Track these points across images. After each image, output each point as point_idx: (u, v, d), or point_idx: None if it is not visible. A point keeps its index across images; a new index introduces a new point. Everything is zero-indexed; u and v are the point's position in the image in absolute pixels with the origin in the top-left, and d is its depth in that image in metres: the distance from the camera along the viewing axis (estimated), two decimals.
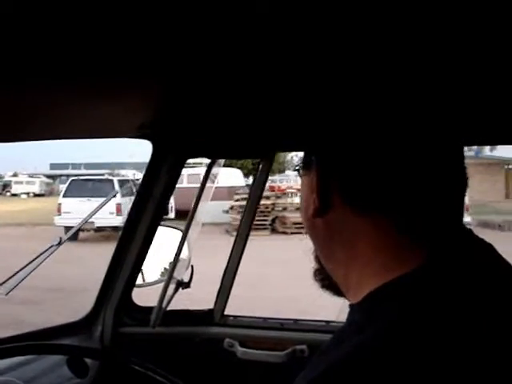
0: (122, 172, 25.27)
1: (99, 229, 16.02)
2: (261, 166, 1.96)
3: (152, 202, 1.93)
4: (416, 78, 0.90)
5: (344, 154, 0.77)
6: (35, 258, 1.77)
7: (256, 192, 2.07)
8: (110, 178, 17.50)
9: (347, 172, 0.76)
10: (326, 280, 0.86)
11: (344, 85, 0.92)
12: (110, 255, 2.03)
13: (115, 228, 15.67)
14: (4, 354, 1.63)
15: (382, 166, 0.74)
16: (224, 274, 2.18)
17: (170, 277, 1.98)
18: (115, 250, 2.03)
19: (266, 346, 2.03)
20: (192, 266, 2.09)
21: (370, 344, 0.66)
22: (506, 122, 1.43)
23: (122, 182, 17.43)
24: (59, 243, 1.77)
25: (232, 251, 2.15)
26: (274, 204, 17.59)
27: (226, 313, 2.18)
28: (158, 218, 1.99)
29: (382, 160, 0.74)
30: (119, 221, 15.73)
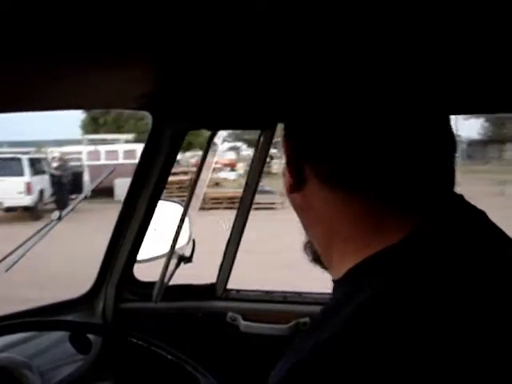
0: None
1: (9, 209, 15.85)
2: (262, 137, 1.93)
3: (152, 175, 1.90)
4: (398, 44, 0.88)
5: (312, 125, 0.74)
6: (34, 234, 1.75)
7: (257, 165, 2.04)
8: (18, 156, 17.02)
9: (316, 145, 0.73)
10: (316, 253, 0.84)
11: (328, 52, 0.90)
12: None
13: (26, 208, 15.64)
14: (5, 331, 1.62)
15: (352, 136, 0.71)
16: (226, 248, 2.16)
17: (172, 251, 1.97)
18: (115, 224, 2.01)
19: (268, 319, 2.02)
20: (193, 241, 2.07)
21: (355, 319, 0.64)
22: (492, 90, 1.41)
23: (33, 161, 17.02)
24: (59, 218, 1.75)
25: (234, 224, 2.13)
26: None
27: (228, 286, 2.17)
28: (159, 192, 1.96)
29: (352, 130, 0.71)
30: (29, 200, 15.71)
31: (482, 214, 0.75)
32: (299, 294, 2.08)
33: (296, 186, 0.77)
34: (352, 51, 0.89)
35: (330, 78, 0.76)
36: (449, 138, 0.75)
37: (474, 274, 0.66)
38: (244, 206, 2.12)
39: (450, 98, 1.19)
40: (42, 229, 1.75)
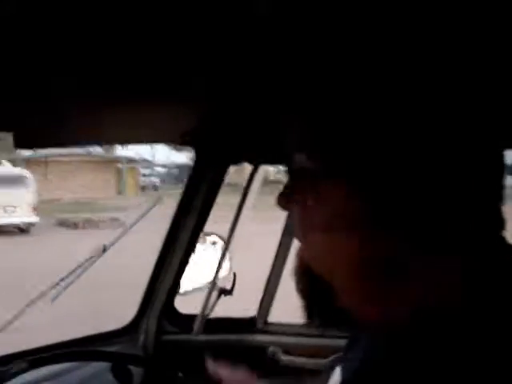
0: None
1: None
2: None
3: (195, 209, 1.93)
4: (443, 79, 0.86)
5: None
6: (79, 266, 1.78)
7: None
8: None
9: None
10: None
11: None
12: None
13: None
14: (50, 361, 1.64)
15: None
16: (268, 279, 2.15)
17: (213, 284, 1.98)
18: (158, 256, 2.03)
19: (310, 353, 2.01)
20: (234, 274, 2.08)
21: None
22: None
23: None
24: (104, 250, 1.78)
25: (277, 253, 2.12)
26: None
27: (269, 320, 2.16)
28: (201, 225, 1.98)
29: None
30: None
31: None
32: None
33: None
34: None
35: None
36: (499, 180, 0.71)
37: None
38: (287, 235, 2.10)
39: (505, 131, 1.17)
40: (86, 261, 1.78)
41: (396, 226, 0.68)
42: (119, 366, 1.81)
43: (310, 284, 0.77)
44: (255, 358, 2.05)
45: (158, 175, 37.58)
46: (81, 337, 1.97)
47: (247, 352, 2.08)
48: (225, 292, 2.04)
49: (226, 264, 2.06)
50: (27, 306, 1.76)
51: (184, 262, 2.02)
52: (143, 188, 31.81)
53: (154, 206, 1.99)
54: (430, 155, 0.66)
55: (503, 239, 0.73)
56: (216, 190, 1.94)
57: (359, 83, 0.71)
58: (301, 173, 0.74)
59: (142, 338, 2.07)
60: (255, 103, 1.22)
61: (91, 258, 1.77)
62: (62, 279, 1.75)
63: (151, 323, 2.07)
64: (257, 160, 1.84)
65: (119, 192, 29.19)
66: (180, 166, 35.94)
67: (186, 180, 1.90)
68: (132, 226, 1.88)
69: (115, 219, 15.93)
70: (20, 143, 1.23)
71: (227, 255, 2.05)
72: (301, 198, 0.74)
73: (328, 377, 0.78)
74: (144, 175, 34.95)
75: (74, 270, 1.75)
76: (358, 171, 0.69)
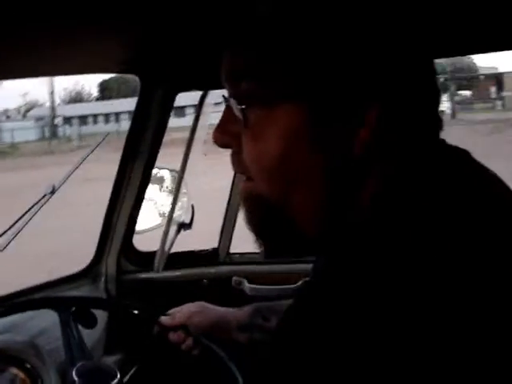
0: None
1: None
2: None
3: (145, 142, 1.84)
4: None
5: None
6: (29, 209, 1.70)
7: None
8: None
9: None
10: None
11: None
12: None
13: None
14: (6, 312, 1.57)
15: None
16: (226, 210, 2.11)
17: (170, 219, 1.92)
18: (111, 196, 1.95)
19: (275, 280, 1.99)
20: (192, 206, 2.03)
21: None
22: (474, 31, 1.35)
23: None
24: (52, 191, 1.69)
25: (233, 184, 2.08)
26: None
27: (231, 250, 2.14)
28: (153, 158, 1.90)
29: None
30: None
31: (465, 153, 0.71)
32: None
33: None
34: None
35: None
36: (433, 87, 0.71)
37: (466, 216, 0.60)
38: None
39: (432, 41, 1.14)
40: (34, 205, 1.69)
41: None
42: (82, 310, 1.75)
43: (262, 215, 0.74)
44: (220, 290, 2.03)
45: None
46: (39, 284, 1.90)
47: (211, 284, 2.06)
48: (184, 226, 1.99)
49: (182, 198, 2.01)
50: None
51: (139, 199, 1.95)
52: None
53: (102, 141, 1.91)
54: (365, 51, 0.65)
55: (439, 139, 0.72)
56: (165, 120, 1.85)
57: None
58: (238, 97, 0.71)
59: (102, 279, 2.01)
60: (199, 25, 1.15)
61: (40, 199, 1.69)
62: (12, 226, 1.66)
63: (110, 263, 2.01)
64: (206, 85, 1.76)
65: None
66: None
67: None
68: (80, 163, 1.78)
69: None
70: None
71: (183, 189, 1.99)
72: (239, 128, 0.71)
73: None
74: None
75: (22, 215, 1.67)
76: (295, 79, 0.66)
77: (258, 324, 1.40)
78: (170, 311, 1.52)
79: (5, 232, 1.65)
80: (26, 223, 1.66)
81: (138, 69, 1.63)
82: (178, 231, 1.98)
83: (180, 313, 1.49)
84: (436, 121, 0.71)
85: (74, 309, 1.58)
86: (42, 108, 49.22)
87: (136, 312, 1.61)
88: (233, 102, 0.71)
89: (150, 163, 1.91)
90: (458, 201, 0.61)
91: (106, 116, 42.20)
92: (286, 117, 0.67)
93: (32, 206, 1.69)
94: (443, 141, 0.72)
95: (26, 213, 1.68)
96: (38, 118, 40.97)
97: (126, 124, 35.79)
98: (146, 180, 1.93)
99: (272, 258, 1.85)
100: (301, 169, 0.68)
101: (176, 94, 1.81)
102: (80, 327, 1.57)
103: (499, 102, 30.31)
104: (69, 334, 1.50)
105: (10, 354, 1.48)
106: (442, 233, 0.58)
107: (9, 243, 1.64)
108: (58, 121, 40.63)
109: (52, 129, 39.08)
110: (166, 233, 1.92)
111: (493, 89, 32.68)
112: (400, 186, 0.65)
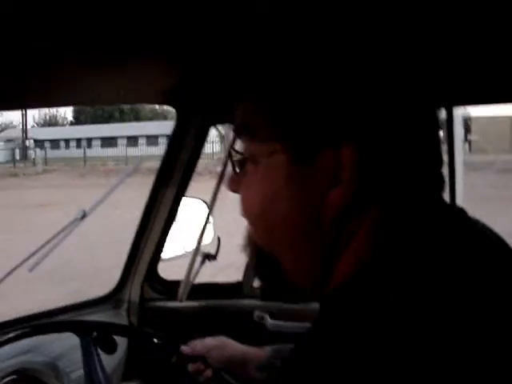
0: None
1: None
2: None
3: (177, 171, 1.87)
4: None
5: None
6: (58, 233, 1.72)
7: None
8: None
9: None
10: None
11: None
12: None
13: None
14: (28, 333, 1.58)
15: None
16: None
17: (197, 249, 1.93)
18: (139, 223, 1.97)
19: (297, 317, 1.98)
20: (218, 238, 2.03)
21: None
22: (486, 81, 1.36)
23: None
24: (83, 216, 1.71)
25: None
26: None
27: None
28: (184, 188, 1.92)
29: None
30: None
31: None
32: None
33: None
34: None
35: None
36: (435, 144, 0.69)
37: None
38: None
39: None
40: (65, 227, 1.72)
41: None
42: (103, 335, 1.76)
43: (257, 259, 0.76)
44: (242, 324, 2.03)
45: None
46: (62, 306, 1.92)
47: (233, 317, 2.05)
48: (209, 257, 2.00)
49: (209, 229, 2.02)
50: (6, 275, 1.70)
51: (166, 228, 1.97)
52: None
53: (137, 167, 1.93)
54: (367, 112, 0.64)
55: (442, 199, 0.70)
56: (198, 152, 1.88)
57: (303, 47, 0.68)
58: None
59: (125, 305, 2.02)
60: (236, 62, 1.17)
61: (70, 224, 1.71)
62: (41, 247, 1.69)
63: (134, 290, 2.02)
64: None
65: None
66: None
67: None
68: (113, 189, 1.81)
69: None
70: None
71: (211, 220, 2.00)
72: (243, 175, 0.74)
73: None
74: None
75: (53, 237, 1.69)
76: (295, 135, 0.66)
77: (277, 366, 1.40)
78: (191, 342, 1.52)
79: (32, 255, 1.68)
80: (56, 247, 1.68)
81: (176, 101, 1.66)
82: (203, 262, 1.99)
83: (201, 344, 1.49)
84: (437, 180, 0.70)
85: (95, 334, 1.59)
86: (15, 130, 49.50)
87: (157, 341, 1.61)
88: (233, 153, 0.75)
89: (181, 192, 1.93)
90: (446, 269, 0.60)
91: (78, 141, 41.99)
92: (268, 168, 0.68)
93: (61, 230, 1.72)
94: (442, 200, 0.70)
95: (55, 236, 1.71)
96: (9, 140, 41.15)
97: (96, 150, 35.46)
98: (175, 208, 1.95)
99: (268, 300, 1.86)
100: (282, 218, 0.68)
101: (210, 126, 1.84)
102: (100, 352, 1.58)
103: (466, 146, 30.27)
104: (89, 358, 1.51)
105: (31, 374, 1.50)
106: (432, 294, 0.57)
107: (37, 265, 1.66)
108: (30, 143, 40.88)
109: (23, 151, 39.35)
110: (192, 263, 1.92)
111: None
112: (387, 246, 0.64)
